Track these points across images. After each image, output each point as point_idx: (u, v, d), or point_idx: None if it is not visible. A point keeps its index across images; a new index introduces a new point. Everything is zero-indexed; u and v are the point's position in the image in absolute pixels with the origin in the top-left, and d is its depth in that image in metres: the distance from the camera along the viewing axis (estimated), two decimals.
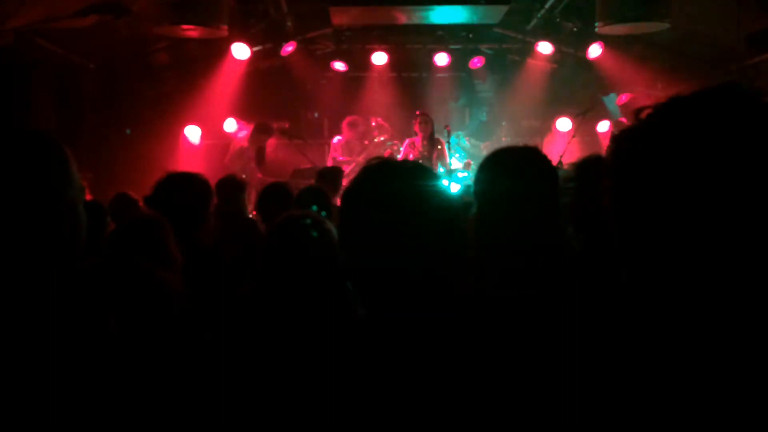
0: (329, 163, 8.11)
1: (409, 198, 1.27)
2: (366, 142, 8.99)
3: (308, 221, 1.93)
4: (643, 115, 1.00)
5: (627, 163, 1.00)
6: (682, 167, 0.92)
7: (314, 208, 3.05)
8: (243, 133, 8.39)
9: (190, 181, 3.01)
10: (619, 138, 1.03)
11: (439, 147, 7.83)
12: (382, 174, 1.34)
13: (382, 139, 9.05)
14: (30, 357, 1.24)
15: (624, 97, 7.59)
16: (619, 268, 1.02)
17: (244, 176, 6.14)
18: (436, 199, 1.31)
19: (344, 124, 8.75)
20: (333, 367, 1.24)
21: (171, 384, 1.53)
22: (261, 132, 7.99)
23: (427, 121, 7.81)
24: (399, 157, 7.89)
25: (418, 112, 8.06)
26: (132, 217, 2.53)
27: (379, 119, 9.39)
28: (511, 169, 1.77)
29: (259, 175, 7.83)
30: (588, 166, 2.34)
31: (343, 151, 8.49)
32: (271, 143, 8.60)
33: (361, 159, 8.27)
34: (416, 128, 7.94)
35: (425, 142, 7.83)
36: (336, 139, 8.75)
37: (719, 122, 0.92)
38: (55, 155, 1.37)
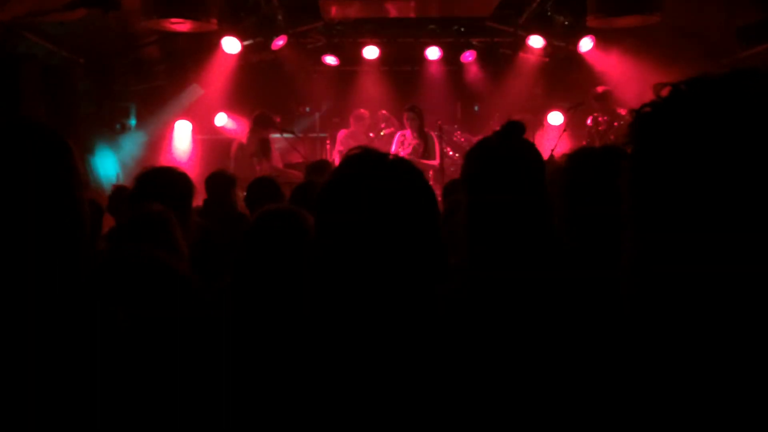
0: (336, 156, 8.05)
1: (387, 192, 1.26)
2: (372, 134, 8.97)
3: (285, 215, 1.93)
4: (664, 93, 0.95)
5: (652, 142, 0.95)
6: (713, 145, 0.88)
7: None
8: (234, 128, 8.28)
9: (169, 175, 2.99)
10: (642, 118, 0.97)
11: (430, 142, 7.81)
12: (359, 169, 1.32)
13: (388, 132, 8.93)
14: (37, 351, 1.23)
15: (599, 89, 7.63)
16: (632, 257, 0.96)
17: (255, 172, 5.97)
18: (414, 193, 1.30)
19: (351, 117, 8.75)
20: (305, 361, 1.23)
21: (178, 376, 1.53)
22: (261, 125, 7.67)
23: (415, 118, 7.73)
24: (392, 149, 7.85)
25: (407, 107, 8.00)
26: (143, 210, 2.53)
27: (386, 112, 9.32)
28: (497, 162, 1.76)
29: (259, 168, 7.70)
30: (578, 158, 2.33)
31: (347, 144, 8.43)
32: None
33: None
34: (405, 123, 7.92)
35: (415, 137, 7.81)
36: (342, 132, 8.73)
37: (755, 103, 0.88)
38: (61, 149, 1.37)
